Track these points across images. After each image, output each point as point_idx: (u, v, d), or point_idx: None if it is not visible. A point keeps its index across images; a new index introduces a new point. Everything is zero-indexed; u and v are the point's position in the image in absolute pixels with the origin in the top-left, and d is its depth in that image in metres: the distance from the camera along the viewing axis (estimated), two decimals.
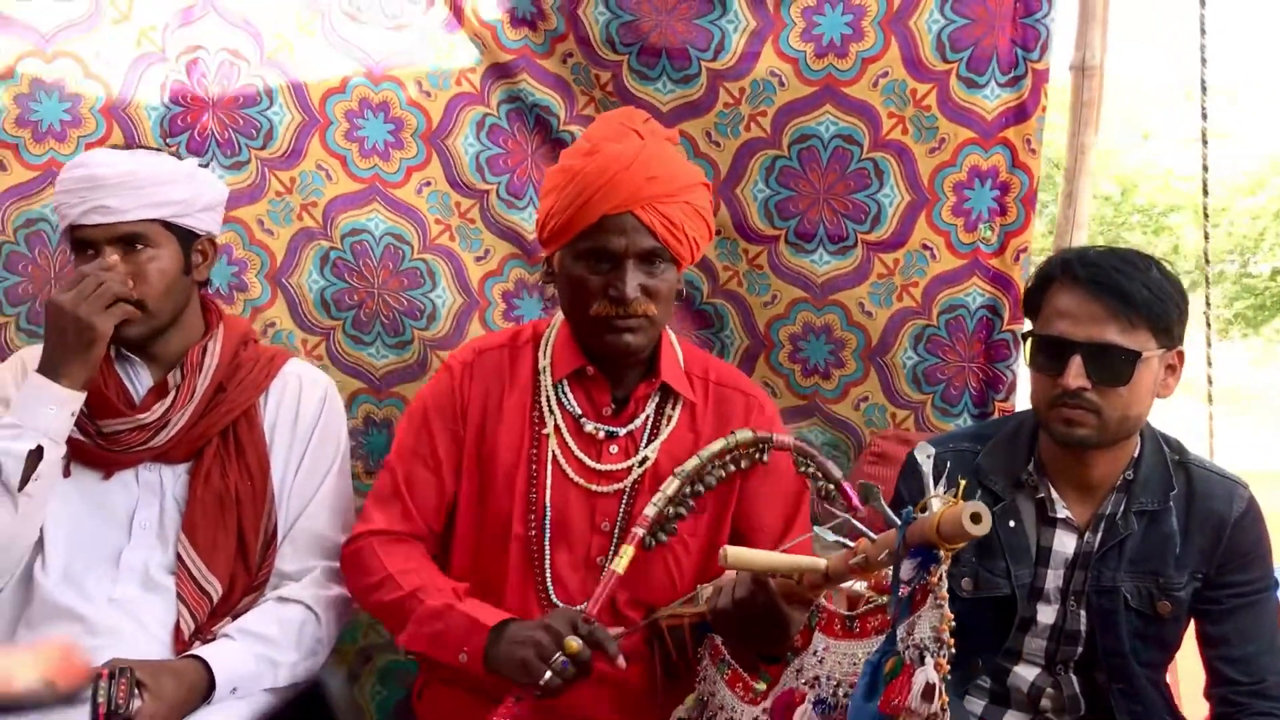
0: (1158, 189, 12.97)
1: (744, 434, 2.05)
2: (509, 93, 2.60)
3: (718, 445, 2.03)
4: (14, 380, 2.15)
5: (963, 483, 1.50)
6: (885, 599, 1.60)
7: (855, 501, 2.07)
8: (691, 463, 2.02)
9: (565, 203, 2.01)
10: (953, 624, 1.44)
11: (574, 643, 1.85)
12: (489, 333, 2.54)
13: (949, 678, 1.43)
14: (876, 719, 1.46)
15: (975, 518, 1.38)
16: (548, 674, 1.84)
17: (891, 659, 1.48)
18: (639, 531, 1.97)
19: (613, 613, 2.07)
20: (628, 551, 1.95)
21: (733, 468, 2.05)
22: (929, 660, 1.43)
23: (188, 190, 2.14)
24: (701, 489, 2.04)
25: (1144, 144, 13.29)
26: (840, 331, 2.65)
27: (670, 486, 2.00)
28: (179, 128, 2.52)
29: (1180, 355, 2.09)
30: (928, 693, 1.41)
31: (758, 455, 2.06)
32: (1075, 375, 2.00)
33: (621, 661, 1.89)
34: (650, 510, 1.98)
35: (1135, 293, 2.00)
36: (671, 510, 2.01)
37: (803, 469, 2.05)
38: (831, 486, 2.08)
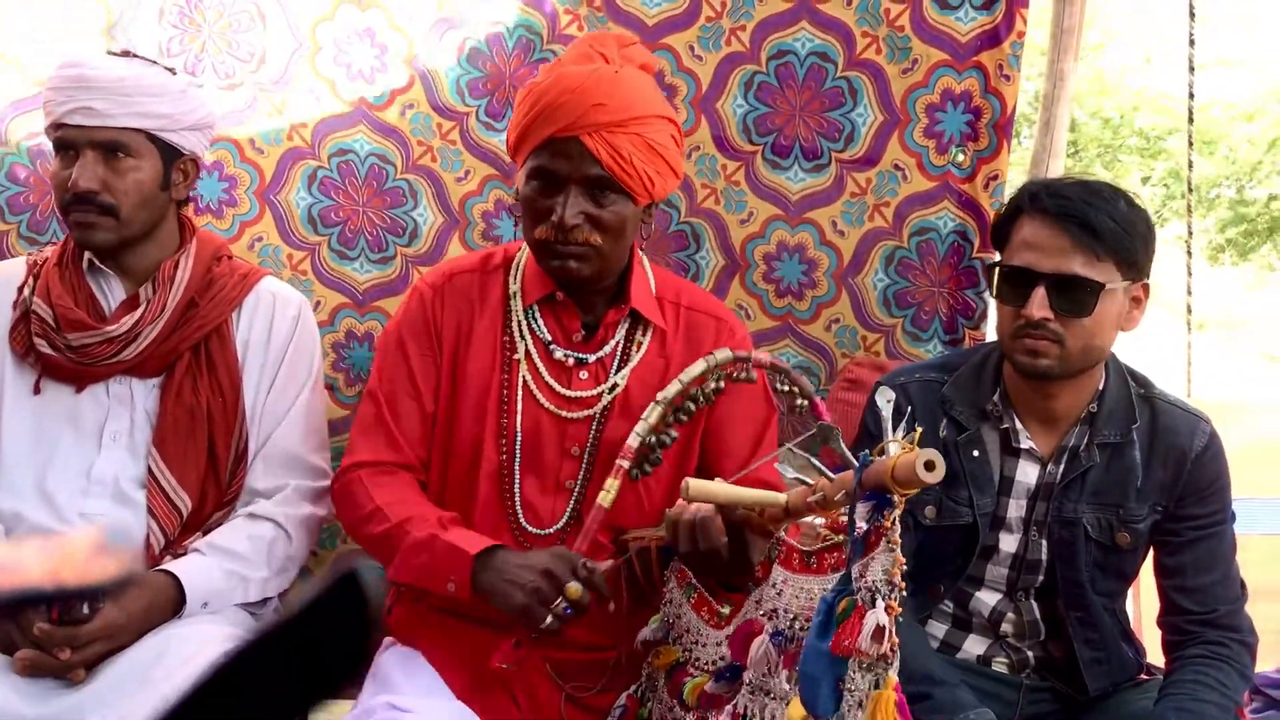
0: (1158, 112, 12.66)
1: (723, 354, 1.94)
2: (490, 16, 2.49)
3: (698, 368, 1.93)
4: None
5: (918, 430, 1.43)
6: (842, 538, 1.54)
7: (826, 418, 1.98)
8: (673, 388, 1.91)
9: (519, 118, 1.93)
10: (904, 568, 1.39)
11: (575, 589, 1.78)
12: (459, 255, 2.45)
13: (900, 619, 1.39)
14: (828, 659, 1.42)
15: (929, 465, 1.33)
16: (549, 619, 1.78)
17: (845, 599, 1.43)
18: (623, 464, 1.87)
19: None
20: (613, 485, 1.86)
21: (713, 387, 1.95)
22: (880, 603, 1.39)
23: (176, 106, 2.06)
24: (684, 417, 1.94)
25: (1147, 67, 12.95)
26: (813, 251, 2.54)
27: (652, 414, 1.90)
28: (177, 51, 2.48)
29: (1146, 288, 1.99)
30: (878, 634, 1.38)
31: (740, 374, 1.96)
32: (1039, 306, 1.92)
33: (612, 606, 1.84)
34: (633, 440, 1.88)
35: (1101, 225, 1.91)
36: (654, 439, 1.91)
37: (779, 386, 1.95)
38: (805, 403, 1.99)
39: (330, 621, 0.68)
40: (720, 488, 1.71)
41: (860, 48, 2.45)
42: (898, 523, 1.39)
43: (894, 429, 1.42)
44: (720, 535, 1.73)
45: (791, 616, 1.59)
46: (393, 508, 1.95)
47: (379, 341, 2.15)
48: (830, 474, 1.53)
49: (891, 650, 1.38)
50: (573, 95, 1.87)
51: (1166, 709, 1.94)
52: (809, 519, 1.60)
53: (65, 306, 2.03)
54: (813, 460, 1.54)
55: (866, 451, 1.43)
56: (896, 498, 1.38)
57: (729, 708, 1.67)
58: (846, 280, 2.55)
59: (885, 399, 1.48)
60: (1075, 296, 1.92)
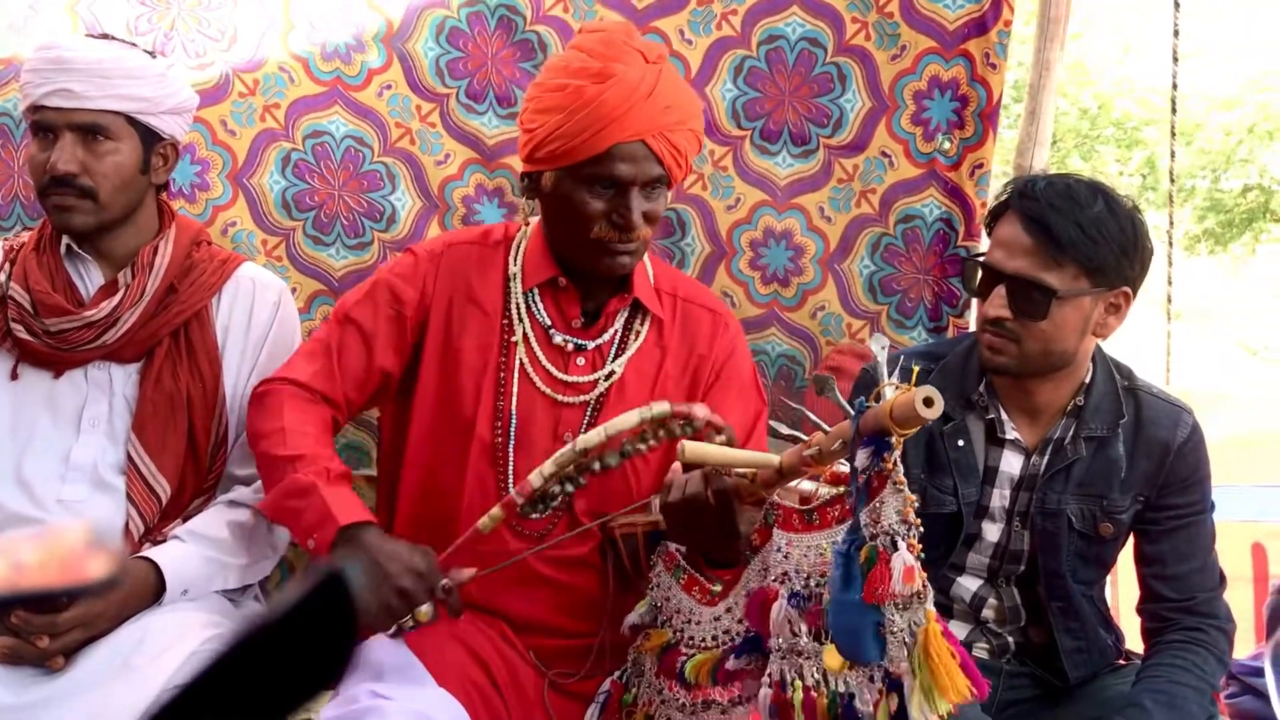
0: (1135, 102, 12.80)
1: (660, 407, 1.84)
2: None
3: (629, 420, 1.83)
4: None
5: (915, 369, 1.49)
6: (841, 489, 1.59)
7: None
8: (594, 435, 1.83)
9: (576, 128, 1.91)
10: (916, 505, 1.45)
11: (425, 612, 1.87)
12: (459, 228, 2.48)
13: (923, 555, 1.45)
14: (862, 609, 1.47)
15: (928, 401, 1.38)
16: (393, 629, 1.88)
17: (864, 548, 1.48)
18: (516, 498, 1.86)
19: (570, 521, 2.03)
20: (496, 515, 1.87)
21: (645, 445, 1.86)
22: (901, 544, 1.44)
23: (155, 89, 2.08)
24: (598, 468, 1.85)
25: (1125, 57, 13.09)
26: (800, 237, 2.59)
27: (563, 456, 1.82)
28: (145, 29, 2.47)
29: (1125, 295, 2.03)
30: (908, 575, 1.44)
31: (679, 431, 1.86)
32: (994, 305, 1.99)
33: (459, 618, 1.90)
34: (534, 479, 1.85)
35: (1062, 231, 1.95)
36: (555, 488, 1.85)
37: (720, 439, 1.85)
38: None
39: (314, 626, 0.69)
40: (714, 450, 1.75)
41: (850, 33, 2.49)
42: (899, 463, 1.44)
43: (888, 374, 1.47)
44: (705, 494, 1.75)
45: (805, 575, 1.63)
46: (295, 436, 1.97)
47: (369, 278, 2.17)
48: (825, 426, 1.57)
49: (924, 585, 1.45)
50: (646, 102, 1.91)
51: (1143, 692, 2.01)
52: (800, 481, 1.64)
53: (42, 291, 2.04)
54: (807, 413, 1.59)
55: (863, 399, 1.48)
56: (895, 439, 1.43)
57: (765, 678, 1.70)
58: (833, 266, 2.59)
59: (880, 345, 1.52)
60: (1030, 299, 1.97)
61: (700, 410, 1.85)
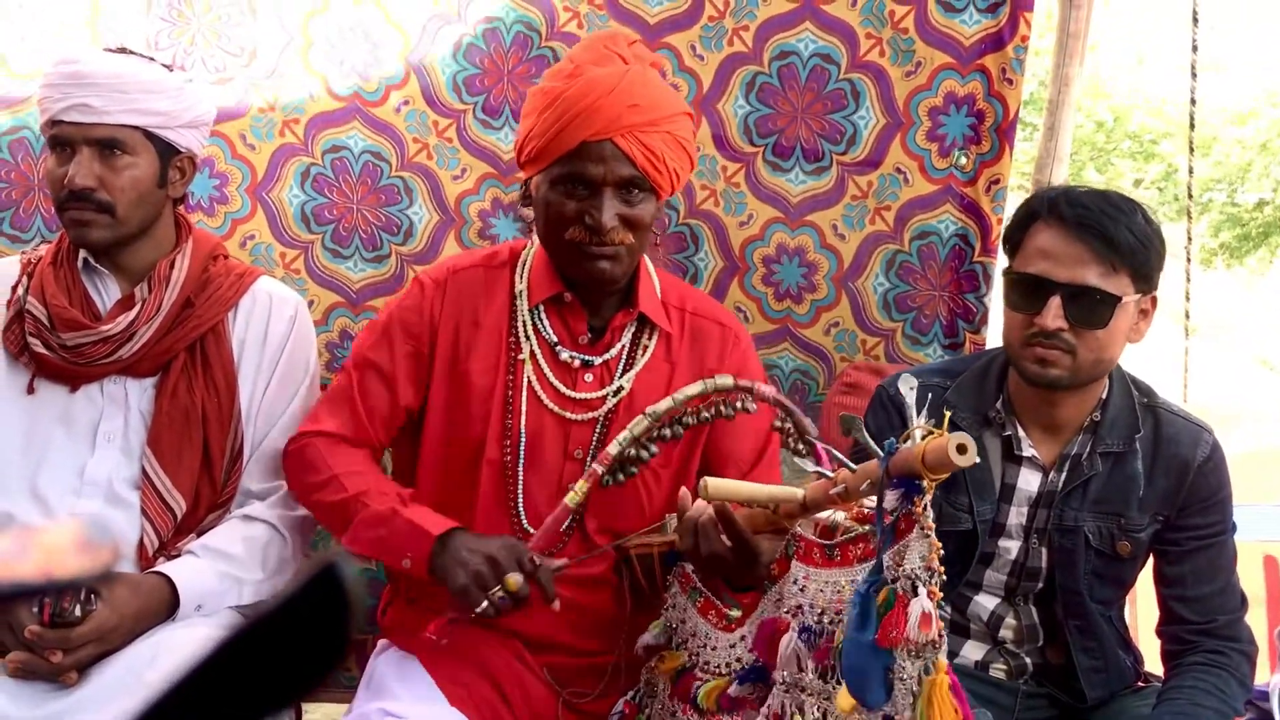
0: (1151, 114, 12.77)
1: (724, 380, 1.89)
2: (486, 11, 2.51)
3: (694, 389, 1.90)
4: None
5: (948, 414, 1.47)
6: (866, 528, 1.56)
7: (825, 463, 1.96)
8: (664, 403, 1.89)
9: (544, 126, 1.92)
10: (941, 552, 1.42)
11: (515, 580, 1.81)
12: (464, 251, 2.48)
13: (943, 604, 1.42)
14: (874, 651, 1.44)
15: (961, 449, 1.36)
16: (484, 604, 1.81)
17: (883, 590, 1.45)
18: (598, 469, 1.89)
19: (582, 539, 2.02)
20: (582, 488, 1.88)
21: (709, 414, 1.92)
22: (922, 590, 1.41)
23: (173, 103, 2.07)
24: (669, 434, 1.92)
25: (1139, 68, 13.06)
26: (813, 254, 2.58)
27: (638, 426, 1.89)
28: (165, 44, 2.48)
29: (1154, 300, 2.02)
30: (924, 622, 1.41)
31: (740, 405, 1.92)
32: (1054, 316, 1.93)
33: (556, 605, 1.86)
34: (613, 448, 1.89)
35: (1120, 237, 1.93)
36: (633, 452, 1.90)
37: (780, 423, 1.90)
38: (803, 447, 1.93)
39: (309, 616, 0.68)
40: (737, 485, 1.74)
41: (864, 50, 2.48)
42: (929, 508, 1.42)
43: (917, 415, 1.44)
44: (720, 540, 1.76)
45: (819, 611, 1.60)
46: (350, 478, 1.98)
47: (370, 321, 2.18)
48: (852, 465, 1.55)
49: (940, 635, 1.41)
50: (608, 98, 1.89)
51: (1164, 714, 1.97)
52: (825, 512, 1.62)
53: (60, 306, 2.04)
54: (833, 452, 1.57)
55: (893, 440, 1.45)
56: (926, 483, 1.41)
57: (764, 709, 1.68)
58: (846, 284, 2.58)
59: (909, 386, 1.50)
60: (1091, 308, 1.93)
61: (766, 388, 1.90)
